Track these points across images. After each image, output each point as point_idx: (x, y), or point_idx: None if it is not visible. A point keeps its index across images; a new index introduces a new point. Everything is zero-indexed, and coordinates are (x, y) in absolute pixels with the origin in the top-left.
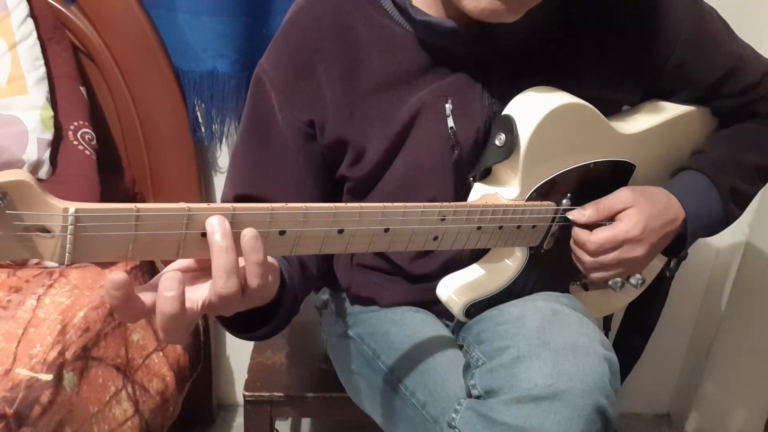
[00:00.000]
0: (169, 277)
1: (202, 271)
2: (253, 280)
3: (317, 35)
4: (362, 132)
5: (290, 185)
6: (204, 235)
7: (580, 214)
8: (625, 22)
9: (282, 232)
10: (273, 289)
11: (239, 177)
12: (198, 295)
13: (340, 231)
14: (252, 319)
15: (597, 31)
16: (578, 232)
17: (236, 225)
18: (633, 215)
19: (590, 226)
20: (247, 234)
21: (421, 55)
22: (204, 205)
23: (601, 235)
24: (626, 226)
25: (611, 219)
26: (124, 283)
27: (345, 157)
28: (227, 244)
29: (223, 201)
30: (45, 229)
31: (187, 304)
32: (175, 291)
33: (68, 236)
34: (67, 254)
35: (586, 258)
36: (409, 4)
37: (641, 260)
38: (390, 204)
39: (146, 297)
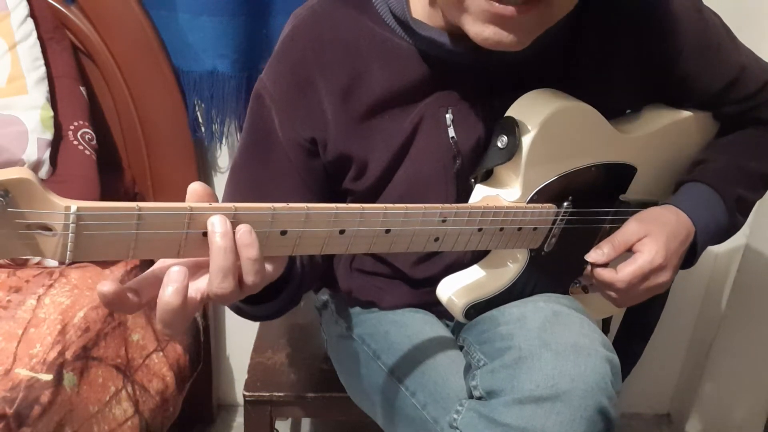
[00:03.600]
0: (176, 270)
1: (204, 265)
2: (248, 277)
3: (317, 50)
4: (365, 146)
5: (290, 201)
6: (206, 234)
7: (598, 255)
8: (627, 32)
9: (283, 233)
10: (275, 276)
11: (238, 191)
12: (199, 286)
13: (342, 231)
14: (257, 296)
15: (600, 41)
16: (602, 273)
17: (237, 225)
18: (651, 244)
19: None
20: (242, 229)
21: (423, 67)
22: (206, 204)
23: (627, 271)
24: (648, 256)
25: (628, 251)
26: (114, 293)
27: (348, 171)
28: (226, 244)
29: None
30: (47, 228)
31: (188, 295)
32: (180, 284)
33: (70, 234)
34: (68, 253)
35: (617, 297)
36: (409, 17)
37: (668, 284)
38: (391, 205)
39: (144, 290)
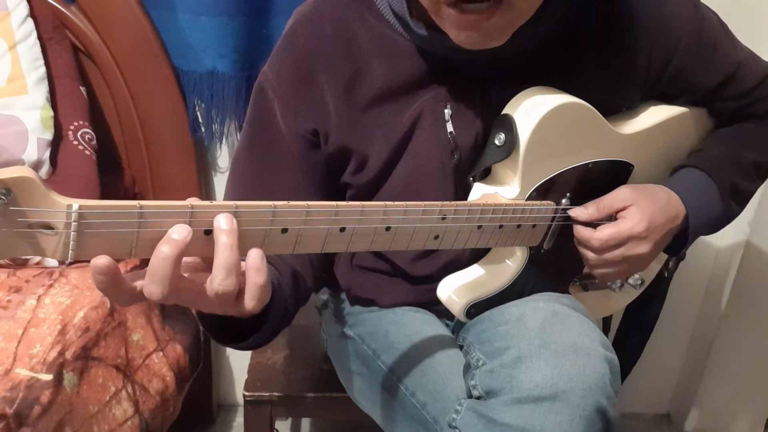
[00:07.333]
0: (179, 226)
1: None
2: (250, 302)
3: (320, 44)
4: (365, 140)
5: (292, 193)
6: (206, 232)
7: (580, 212)
8: (625, 28)
9: (284, 230)
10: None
11: (240, 184)
12: (201, 279)
13: (342, 229)
14: (238, 329)
15: (598, 37)
16: (580, 230)
17: (239, 223)
18: (636, 212)
19: (591, 225)
20: (253, 253)
21: (422, 63)
22: (207, 203)
23: (605, 232)
24: (630, 222)
25: (612, 218)
26: (108, 268)
27: (348, 165)
28: (232, 241)
29: None
30: (48, 226)
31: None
32: (183, 237)
33: (71, 233)
34: (70, 251)
35: (591, 255)
36: (408, 15)
37: (646, 257)
38: (391, 203)
39: (140, 282)
